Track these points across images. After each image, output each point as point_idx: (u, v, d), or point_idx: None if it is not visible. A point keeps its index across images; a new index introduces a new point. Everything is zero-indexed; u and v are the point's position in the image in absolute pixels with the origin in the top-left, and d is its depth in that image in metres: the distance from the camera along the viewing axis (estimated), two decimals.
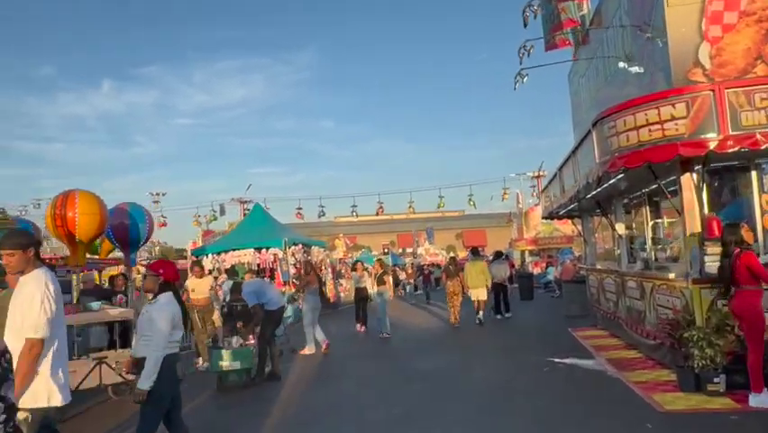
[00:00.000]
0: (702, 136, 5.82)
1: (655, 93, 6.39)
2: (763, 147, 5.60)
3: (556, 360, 8.06)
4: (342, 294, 21.18)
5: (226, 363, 7.51)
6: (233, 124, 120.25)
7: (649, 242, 8.26)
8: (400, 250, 48.41)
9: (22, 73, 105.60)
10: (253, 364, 7.84)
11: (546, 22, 10.94)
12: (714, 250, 5.95)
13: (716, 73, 6.72)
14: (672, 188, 6.84)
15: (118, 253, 15.83)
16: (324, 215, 27.05)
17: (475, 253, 14.54)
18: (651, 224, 8.26)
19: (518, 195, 35.43)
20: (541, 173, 32.75)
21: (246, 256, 17.12)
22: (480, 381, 7.42)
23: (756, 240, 6.08)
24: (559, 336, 10.54)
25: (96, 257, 16.08)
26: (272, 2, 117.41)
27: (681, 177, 6.37)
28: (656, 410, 5.34)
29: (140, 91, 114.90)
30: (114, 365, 6.70)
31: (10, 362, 3.23)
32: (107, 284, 12.06)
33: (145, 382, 3.77)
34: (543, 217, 16.74)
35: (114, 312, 7.11)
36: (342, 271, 23.00)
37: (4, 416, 3.41)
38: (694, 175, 6.31)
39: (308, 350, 10.18)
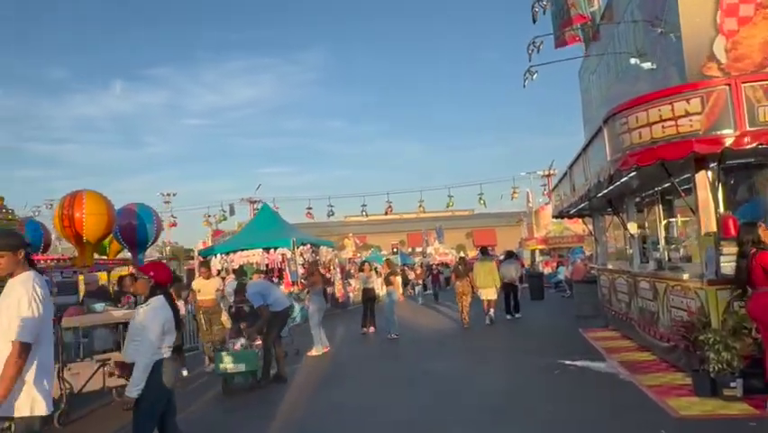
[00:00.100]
0: (718, 132, 5.64)
1: (669, 88, 6.22)
2: None
3: (567, 362, 7.91)
4: (351, 294, 21.10)
5: (231, 365, 7.43)
6: (243, 125, 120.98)
7: (662, 241, 8.09)
8: (410, 249, 48.23)
9: (34, 74, 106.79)
10: (259, 367, 7.76)
11: (556, 17, 10.76)
12: (730, 250, 5.75)
13: (731, 67, 6.54)
14: (685, 187, 6.66)
15: (127, 254, 15.90)
16: (333, 214, 27.05)
17: (484, 252, 14.44)
18: (664, 223, 8.09)
19: (528, 194, 35.16)
20: (551, 172, 32.48)
21: (254, 256, 17.11)
22: (489, 383, 7.29)
23: None
24: (570, 337, 10.37)
25: (105, 258, 16.16)
26: (281, 2, 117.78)
27: (696, 175, 6.20)
28: (671, 416, 5.17)
29: (150, 92, 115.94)
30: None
31: None
32: (116, 285, 12.05)
33: (133, 389, 3.68)
34: (553, 216, 16.55)
35: (118, 314, 7.06)
36: (352, 270, 22.93)
37: None
38: (709, 173, 6.13)
39: (316, 351, 10.09)
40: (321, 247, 19.70)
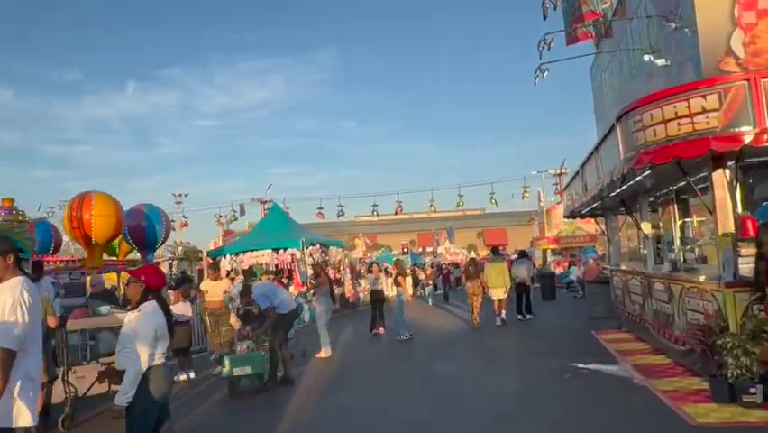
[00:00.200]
0: (736, 130, 5.45)
1: (684, 84, 6.03)
2: None
3: (579, 365, 7.74)
4: (361, 294, 21.01)
5: (237, 368, 7.35)
6: (255, 125, 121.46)
7: (677, 242, 7.90)
8: (420, 249, 48.04)
9: (46, 76, 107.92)
10: (265, 369, 7.67)
11: (567, 14, 10.60)
12: (748, 251, 5.57)
13: (750, 62, 6.34)
14: (702, 186, 6.47)
15: (137, 255, 15.93)
16: (342, 214, 26.96)
17: (495, 252, 14.32)
18: (679, 223, 7.91)
19: (540, 193, 34.89)
20: (563, 171, 32.19)
21: (264, 257, 17.09)
22: (500, 385, 7.17)
23: None
24: (582, 338, 10.18)
25: (115, 259, 16.20)
26: (293, 2, 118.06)
27: (713, 173, 5.99)
28: (688, 423, 4.99)
29: (162, 93, 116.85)
30: None
31: None
32: (126, 285, 12.04)
33: (122, 397, 3.59)
34: (565, 216, 16.32)
35: (123, 316, 6.99)
36: (362, 271, 22.84)
37: None
38: (727, 171, 5.93)
39: (324, 353, 9.99)
40: (330, 247, 19.62)
